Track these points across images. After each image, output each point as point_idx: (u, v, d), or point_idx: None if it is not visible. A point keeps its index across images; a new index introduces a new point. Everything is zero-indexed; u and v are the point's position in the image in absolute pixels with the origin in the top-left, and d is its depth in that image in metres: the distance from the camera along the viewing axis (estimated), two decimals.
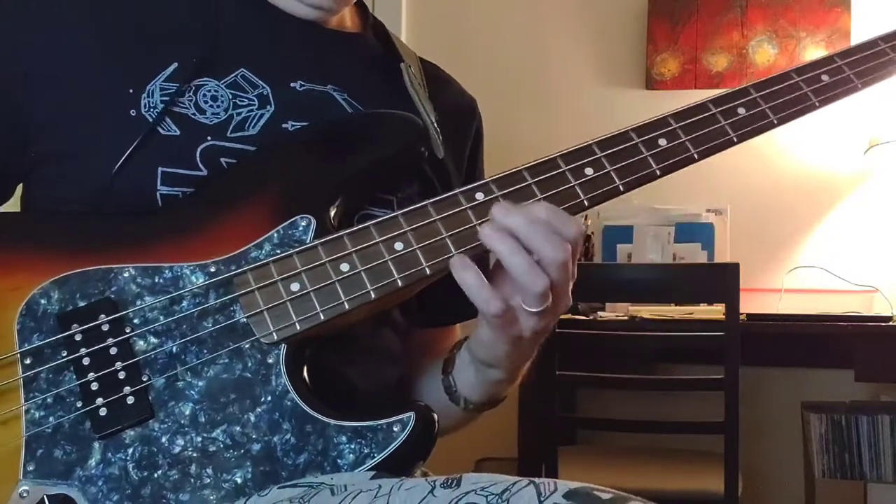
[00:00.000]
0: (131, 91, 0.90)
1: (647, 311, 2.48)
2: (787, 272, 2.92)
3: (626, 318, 2.49)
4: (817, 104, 0.96)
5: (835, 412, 2.52)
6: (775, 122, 0.94)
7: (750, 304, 2.47)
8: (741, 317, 2.18)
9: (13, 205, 0.99)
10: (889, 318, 2.47)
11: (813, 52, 2.98)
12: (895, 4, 2.94)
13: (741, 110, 0.93)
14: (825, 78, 0.97)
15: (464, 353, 0.94)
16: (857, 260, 2.90)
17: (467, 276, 0.81)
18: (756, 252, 2.91)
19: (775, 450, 2.91)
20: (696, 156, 0.91)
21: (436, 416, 0.84)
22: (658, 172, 0.90)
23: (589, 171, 0.88)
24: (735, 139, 0.93)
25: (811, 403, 2.59)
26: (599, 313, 2.60)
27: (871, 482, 2.54)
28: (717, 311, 2.30)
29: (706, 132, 0.92)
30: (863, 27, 2.96)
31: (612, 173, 0.89)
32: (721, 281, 2.12)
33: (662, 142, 0.91)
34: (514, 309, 0.82)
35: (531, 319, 0.83)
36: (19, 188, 0.99)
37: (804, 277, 2.91)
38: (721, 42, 3.07)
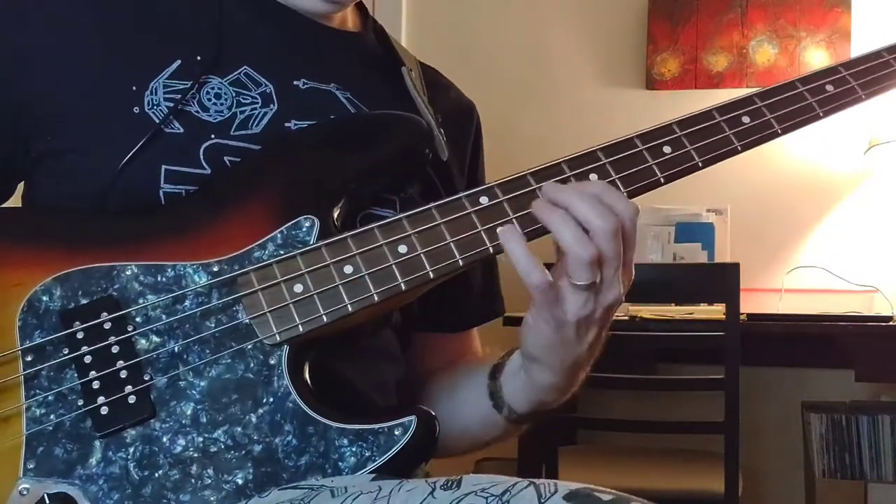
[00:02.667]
0: (134, 88, 0.90)
1: (647, 311, 2.48)
2: (787, 272, 2.92)
3: (626, 318, 2.49)
4: (821, 114, 0.96)
5: (835, 412, 2.52)
6: (779, 131, 0.94)
7: (750, 304, 2.47)
8: (741, 317, 2.18)
9: (14, 203, 0.99)
10: (889, 318, 2.47)
11: (813, 52, 2.98)
12: (895, 4, 2.94)
13: (746, 119, 0.93)
14: (830, 88, 0.97)
15: (514, 359, 0.93)
16: (857, 260, 2.90)
17: (513, 244, 0.80)
18: (756, 252, 2.91)
19: (775, 450, 2.91)
20: (700, 164, 0.91)
21: (437, 420, 0.84)
22: (662, 180, 0.90)
23: (593, 177, 0.88)
24: (739, 148, 0.93)
25: (811, 403, 2.59)
26: None
27: (871, 482, 2.54)
28: (717, 311, 2.30)
29: (711, 141, 0.92)
30: (863, 27, 2.96)
31: (616, 180, 0.89)
32: (721, 281, 2.12)
33: (667, 149, 0.91)
34: (558, 287, 0.81)
35: (577, 299, 0.81)
36: (19, 188, 0.99)
37: (804, 277, 2.91)
38: (721, 42, 3.07)
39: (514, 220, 0.85)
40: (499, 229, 0.82)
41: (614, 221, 0.80)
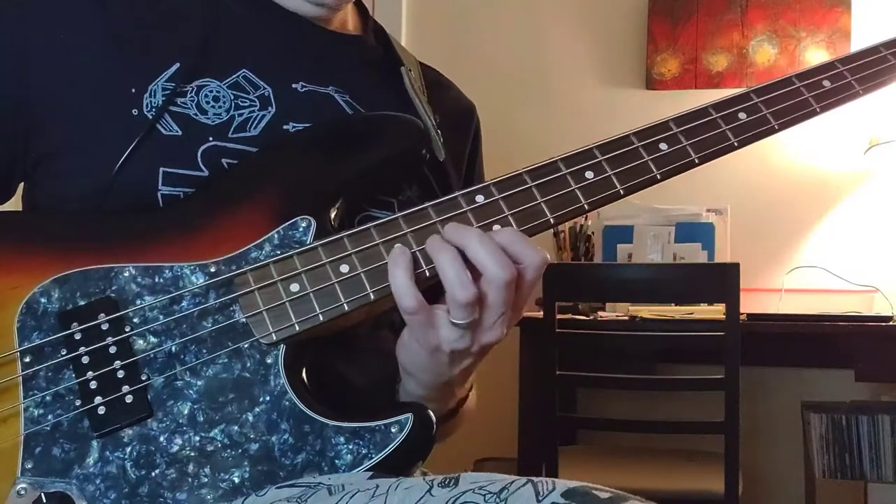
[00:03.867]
0: (133, 91, 0.90)
1: (647, 311, 2.48)
2: (787, 272, 2.92)
3: (626, 318, 2.49)
4: (818, 110, 0.96)
5: (835, 412, 2.52)
6: (776, 127, 0.94)
7: (750, 304, 2.47)
8: (741, 317, 2.18)
9: (14, 204, 1.00)
10: (889, 318, 2.47)
11: (813, 52, 2.98)
12: (895, 4, 2.94)
13: (742, 115, 0.93)
14: (827, 84, 0.97)
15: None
16: (857, 260, 2.91)
17: (392, 266, 0.80)
18: (756, 252, 2.91)
19: (775, 450, 2.91)
20: (696, 160, 0.91)
21: (434, 417, 0.84)
22: (658, 177, 0.90)
23: (589, 174, 0.88)
24: (736, 144, 0.92)
25: (811, 403, 2.60)
26: (599, 313, 2.60)
27: (871, 482, 2.54)
28: (717, 311, 2.30)
29: (707, 137, 0.92)
30: (863, 27, 2.97)
31: (613, 177, 0.88)
32: (721, 281, 2.12)
33: (663, 146, 0.91)
34: (433, 315, 0.81)
35: (452, 332, 0.81)
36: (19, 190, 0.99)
37: (804, 277, 2.91)
38: (721, 42, 3.07)
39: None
40: (390, 252, 0.82)
41: (510, 272, 0.79)
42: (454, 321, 0.80)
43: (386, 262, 0.83)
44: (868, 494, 2.59)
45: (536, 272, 0.82)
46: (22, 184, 0.99)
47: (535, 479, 0.71)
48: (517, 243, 0.81)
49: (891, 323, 2.43)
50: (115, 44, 0.93)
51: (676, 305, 2.50)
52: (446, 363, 0.85)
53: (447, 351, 0.83)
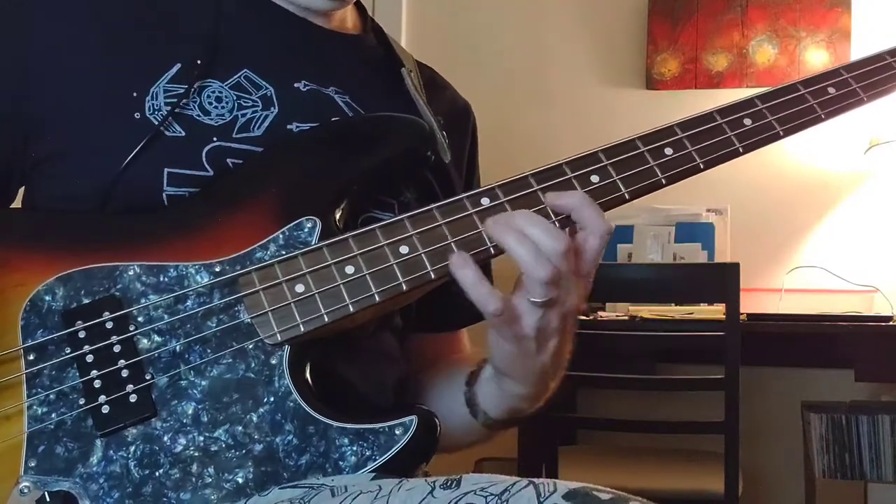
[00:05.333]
0: (135, 94, 0.90)
1: (647, 311, 2.48)
2: (787, 272, 2.92)
3: (626, 318, 2.49)
4: (823, 116, 0.96)
5: (835, 412, 2.52)
6: (781, 133, 0.94)
7: (750, 304, 2.47)
8: (741, 317, 2.18)
9: (14, 205, 0.99)
10: (889, 318, 2.47)
11: (813, 52, 2.98)
12: (895, 4, 2.94)
13: (747, 121, 0.93)
14: (831, 90, 0.97)
15: (488, 367, 0.94)
16: (857, 260, 2.91)
17: (466, 272, 0.81)
18: (756, 252, 2.91)
19: (775, 450, 2.91)
20: (701, 165, 0.91)
21: (438, 419, 0.84)
22: (664, 182, 0.90)
23: (595, 178, 0.89)
24: (741, 150, 0.93)
25: (811, 403, 2.60)
26: (599, 313, 2.60)
27: (871, 482, 2.54)
28: (717, 311, 2.31)
29: (713, 142, 0.92)
30: (863, 27, 2.97)
31: (618, 181, 0.89)
32: (721, 281, 2.12)
33: (669, 151, 0.91)
34: (514, 306, 0.82)
35: (533, 314, 0.83)
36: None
37: (804, 277, 2.91)
38: (721, 42, 3.07)
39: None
40: (450, 258, 0.82)
41: (566, 241, 0.81)
42: (534, 300, 0.81)
43: (391, 264, 0.84)
44: (868, 494, 2.59)
45: (601, 241, 0.84)
46: (22, 186, 0.99)
47: (536, 480, 0.72)
48: (584, 208, 0.83)
49: (891, 323, 2.44)
50: (115, 45, 0.92)
51: (676, 305, 2.50)
52: (534, 349, 0.86)
53: (532, 336, 0.84)
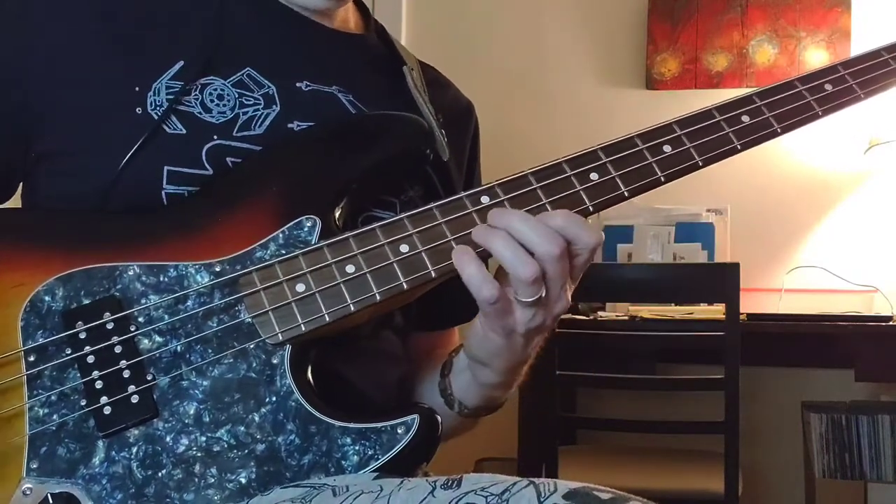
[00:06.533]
0: (137, 89, 0.90)
1: (647, 311, 2.48)
2: (787, 272, 2.92)
3: (626, 318, 2.50)
4: (820, 113, 0.96)
5: (835, 412, 2.52)
6: (779, 130, 0.95)
7: (750, 304, 2.47)
8: (741, 317, 2.18)
9: (14, 203, 0.99)
10: (889, 318, 2.47)
11: (813, 52, 2.98)
12: (895, 4, 2.94)
13: (745, 118, 0.94)
14: (828, 87, 0.97)
15: (461, 357, 0.94)
16: (857, 260, 2.91)
17: (465, 262, 0.81)
18: (756, 252, 2.91)
19: (775, 450, 2.91)
20: (700, 163, 0.92)
21: (439, 418, 0.84)
22: (663, 179, 0.90)
23: (594, 176, 0.89)
24: (739, 147, 0.93)
25: (811, 403, 2.60)
26: (599, 313, 2.60)
27: (871, 482, 2.54)
28: (717, 311, 2.31)
29: (711, 139, 0.92)
30: (863, 27, 2.97)
31: (617, 179, 0.89)
32: (721, 281, 2.12)
33: (667, 148, 0.91)
34: (508, 300, 0.82)
35: (525, 312, 0.83)
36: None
37: (804, 277, 2.91)
38: (721, 42, 3.07)
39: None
40: (453, 252, 0.83)
41: (559, 245, 0.81)
42: (523, 300, 0.82)
43: (391, 263, 0.84)
44: (868, 494, 2.59)
45: (590, 253, 0.84)
46: (21, 183, 0.99)
47: (536, 480, 0.72)
48: (571, 227, 0.83)
49: (891, 323, 2.44)
50: (117, 42, 0.92)
51: (676, 305, 2.50)
52: (521, 344, 0.87)
53: (522, 332, 0.84)
